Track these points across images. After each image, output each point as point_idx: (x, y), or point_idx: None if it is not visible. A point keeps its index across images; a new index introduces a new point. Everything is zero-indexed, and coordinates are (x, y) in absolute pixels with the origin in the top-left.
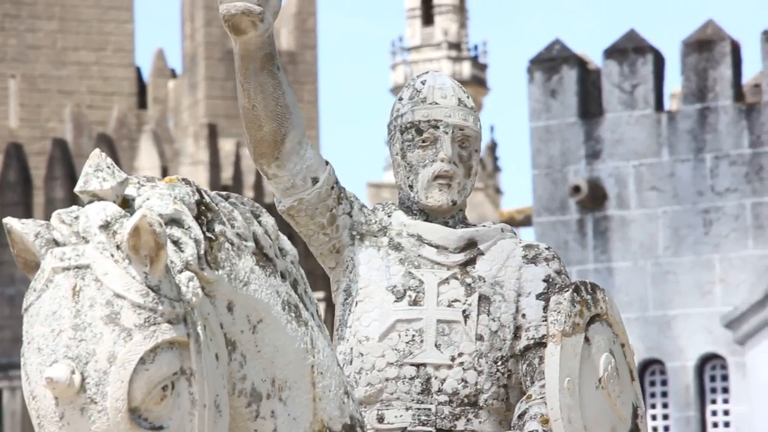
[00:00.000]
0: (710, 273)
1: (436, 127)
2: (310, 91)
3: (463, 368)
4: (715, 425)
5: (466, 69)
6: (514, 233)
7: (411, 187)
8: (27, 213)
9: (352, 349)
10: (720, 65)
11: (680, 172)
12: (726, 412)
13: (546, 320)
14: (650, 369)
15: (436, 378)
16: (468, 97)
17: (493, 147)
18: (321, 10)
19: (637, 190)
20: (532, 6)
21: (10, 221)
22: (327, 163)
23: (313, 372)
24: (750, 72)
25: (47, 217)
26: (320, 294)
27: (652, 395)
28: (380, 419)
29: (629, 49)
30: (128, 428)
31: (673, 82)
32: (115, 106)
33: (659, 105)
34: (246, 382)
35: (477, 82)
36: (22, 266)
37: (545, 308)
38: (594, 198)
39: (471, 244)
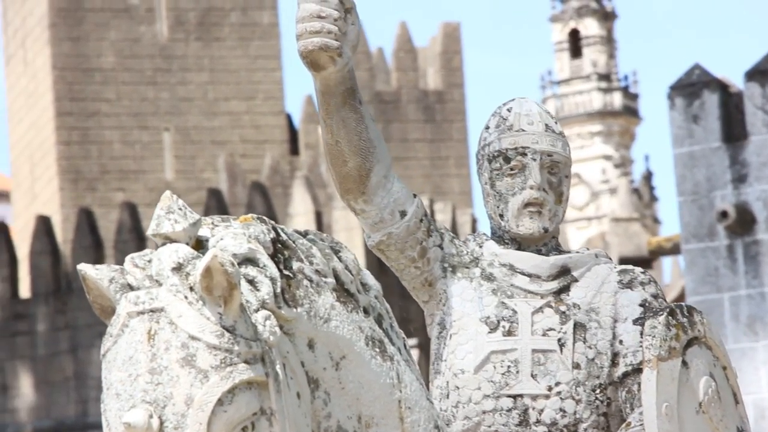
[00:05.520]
0: None
1: (524, 155)
2: (459, 129)
3: (560, 398)
4: None
5: (617, 99)
6: (609, 259)
7: (501, 216)
8: None
9: (447, 382)
10: None
11: None
12: None
13: None
14: None
15: (533, 409)
16: (556, 123)
17: (648, 176)
18: (467, 48)
19: None
20: (672, 32)
21: (84, 267)
22: (415, 195)
23: (400, 407)
24: None
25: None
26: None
27: None
28: None
29: None
30: None
31: None
32: (267, 154)
33: None
34: (331, 419)
35: (629, 112)
36: (99, 312)
37: (643, 333)
38: (742, 222)
39: (564, 271)
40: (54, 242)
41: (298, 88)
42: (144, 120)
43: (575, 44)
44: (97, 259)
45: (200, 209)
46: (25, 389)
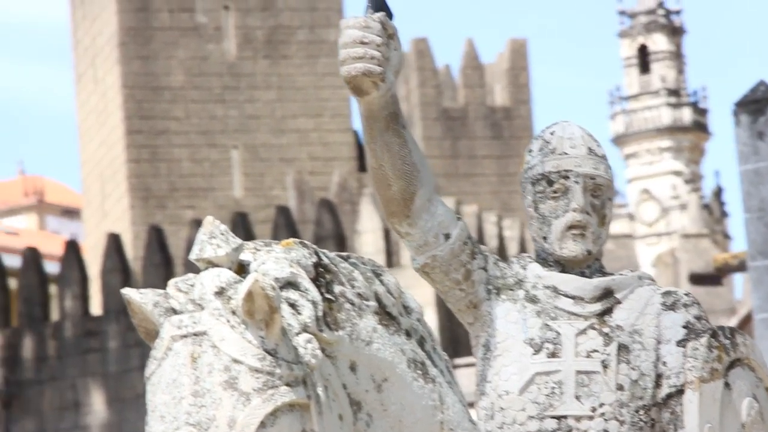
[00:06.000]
0: None
1: (567, 178)
2: (527, 145)
3: (604, 419)
4: None
5: (686, 115)
6: (653, 281)
7: (545, 238)
8: None
9: (492, 404)
10: None
11: None
12: None
13: None
14: None
15: (577, 430)
16: (599, 146)
17: (718, 192)
18: (534, 64)
19: None
20: (742, 46)
21: (128, 292)
22: (459, 218)
23: (442, 428)
24: None
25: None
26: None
27: None
28: None
29: None
30: None
31: None
32: (335, 171)
33: None
34: None
35: (698, 128)
36: (144, 336)
37: (685, 355)
38: None
39: (607, 293)
40: (124, 260)
41: None
42: (212, 138)
43: (644, 60)
44: (167, 276)
45: (269, 226)
46: (97, 406)
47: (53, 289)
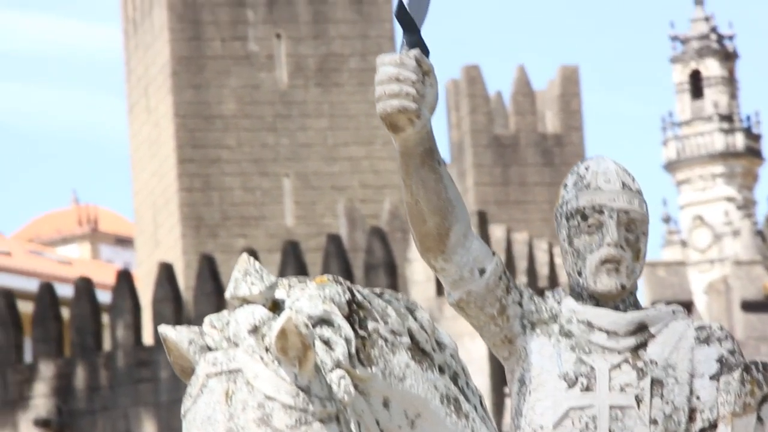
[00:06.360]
0: None
1: (601, 212)
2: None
3: None
4: None
5: (739, 140)
6: (687, 315)
7: (579, 273)
8: None
9: None
10: None
11: None
12: None
13: None
14: None
15: None
16: (633, 181)
17: None
18: (585, 91)
19: None
20: None
21: (164, 329)
22: (494, 253)
23: None
24: None
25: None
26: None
27: None
28: None
29: None
30: None
31: None
32: (386, 199)
33: None
34: None
35: (752, 153)
36: (179, 373)
37: (718, 389)
38: None
39: (641, 328)
40: (176, 289)
41: None
42: (264, 166)
43: (696, 85)
44: (219, 305)
45: (320, 255)
46: None
47: (105, 318)
